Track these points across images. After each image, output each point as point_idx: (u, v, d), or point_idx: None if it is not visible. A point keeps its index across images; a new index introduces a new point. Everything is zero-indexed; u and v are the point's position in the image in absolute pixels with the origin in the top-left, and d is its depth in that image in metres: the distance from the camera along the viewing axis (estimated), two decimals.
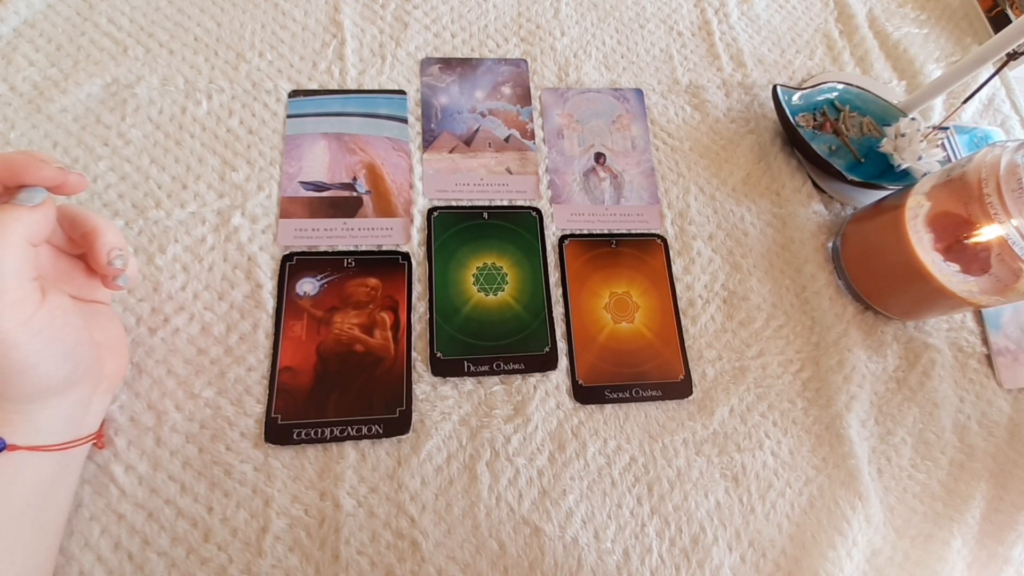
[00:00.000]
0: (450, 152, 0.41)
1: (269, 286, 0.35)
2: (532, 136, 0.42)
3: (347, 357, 0.33)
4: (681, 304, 0.38)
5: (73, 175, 0.24)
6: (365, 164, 0.39)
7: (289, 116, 0.40)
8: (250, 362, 0.33)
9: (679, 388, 0.36)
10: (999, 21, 0.52)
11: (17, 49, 0.39)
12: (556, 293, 0.37)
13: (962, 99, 0.41)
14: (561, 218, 0.40)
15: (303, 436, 0.31)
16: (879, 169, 0.43)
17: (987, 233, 0.31)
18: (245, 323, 0.34)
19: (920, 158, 0.41)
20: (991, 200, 0.30)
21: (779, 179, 0.43)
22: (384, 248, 0.37)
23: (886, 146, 0.43)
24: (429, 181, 0.39)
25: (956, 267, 0.33)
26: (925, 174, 0.41)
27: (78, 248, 0.27)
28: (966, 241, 0.32)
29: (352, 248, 0.37)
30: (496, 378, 0.35)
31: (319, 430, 0.31)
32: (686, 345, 0.37)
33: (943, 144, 0.46)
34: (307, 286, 0.35)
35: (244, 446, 0.31)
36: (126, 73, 0.39)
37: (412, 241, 0.37)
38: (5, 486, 0.24)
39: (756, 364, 0.37)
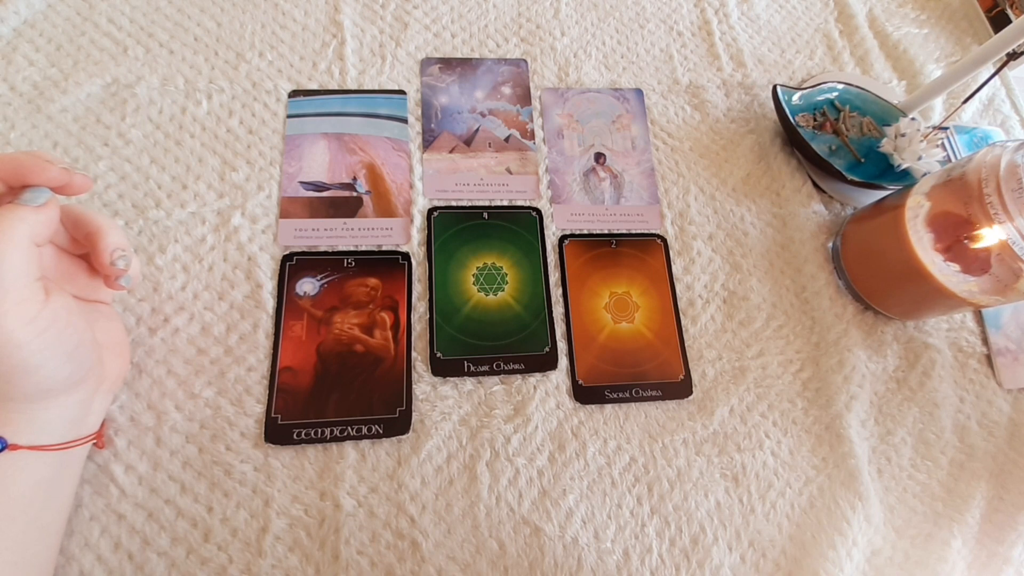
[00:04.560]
0: (450, 152, 0.41)
1: (269, 286, 0.35)
2: (532, 136, 0.42)
3: (347, 357, 0.33)
4: (681, 304, 0.38)
5: (78, 176, 0.24)
6: (365, 164, 0.39)
7: (289, 116, 0.40)
8: (250, 362, 0.33)
9: (679, 388, 0.36)
10: (999, 21, 0.52)
11: (17, 49, 0.39)
12: (556, 293, 0.37)
13: (962, 99, 0.41)
14: (561, 218, 0.40)
15: (303, 436, 0.31)
16: (879, 169, 0.43)
17: (987, 233, 0.31)
18: (245, 323, 0.34)
19: (920, 158, 0.41)
20: (991, 200, 0.30)
21: (779, 179, 0.43)
22: (384, 248, 0.37)
23: (886, 146, 0.43)
24: (429, 181, 0.39)
25: (956, 267, 0.33)
26: (925, 174, 0.41)
27: (81, 248, 0.27)
28: (966, 241, 0.32)
29: (352, 248, 0.37)
30: (496, 378, 0.35)
31: (319, 430, 0.31)
32: (686, 345, 0.37)
33: (943, 144, 0.46)
34: (307, 286, 0.35)
35: (244, 446, 0.31)
36: (126, 73, 0.39)
37: (412, 241, 0.37)
38: (6, 486, 0.24)
39: (756, 364, 0.37)
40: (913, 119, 0.43)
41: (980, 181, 0.31)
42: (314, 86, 0.41)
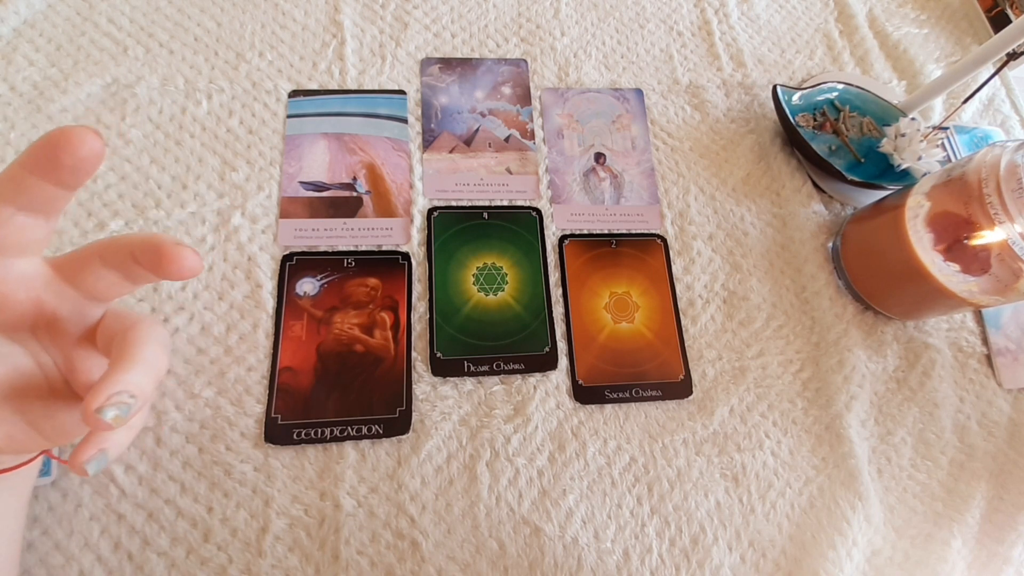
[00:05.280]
0: (450, 152, 0.41)
1: (269, 286, 0.35)
2: (532, 136, 0.42)
3: (347, 357, 0.33)
4: (681, 304, 0.38)
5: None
6: (365, 164, 0.39)
7: (289, 116, 0.40)
8: (250, 362, 0.33)
9: (679, 388, 0.36)
10: (999, 21, 0.52)
11: (17, 49, 0.39)
12: (556, 293, 0.37)
13: (962, 99, 0.41)
14: (561, 218, 0.40)
15: (303, 436, 0.31)
16: (879, 169, 0.43)
17: (987, 234, 0.31)
18: (245, 323, 0.34)
19: (920, 158, 0.41)
20: (991, 200, 0.30)
21: (779, 179, 0.43)
22: (384, 248, 0.37)
23: (886, 146, 0.43)
24: (429, 181, 0.39)
25: (956, 267, 0.33)
26: (925, 174, 0.41)
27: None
28: (966, 241, 0.32)
29: (352, 248, 0.37)
30: (496, 378, 0.35)
31: (319, 430, 0.31)
32: (686, 345, 0.37)
33: (943, 144, 0.46)
34: (307, 286, 0.35)
35: (244, 446, 0.31)
36: (126, 73, 0.39)
37: (412, 241, 0.37)
38: None
39: (756, 364, 0.37)
40: (913, 119, 0.43)
41: (980, 181, 0.31)
42: (314, 86, 0.41)
